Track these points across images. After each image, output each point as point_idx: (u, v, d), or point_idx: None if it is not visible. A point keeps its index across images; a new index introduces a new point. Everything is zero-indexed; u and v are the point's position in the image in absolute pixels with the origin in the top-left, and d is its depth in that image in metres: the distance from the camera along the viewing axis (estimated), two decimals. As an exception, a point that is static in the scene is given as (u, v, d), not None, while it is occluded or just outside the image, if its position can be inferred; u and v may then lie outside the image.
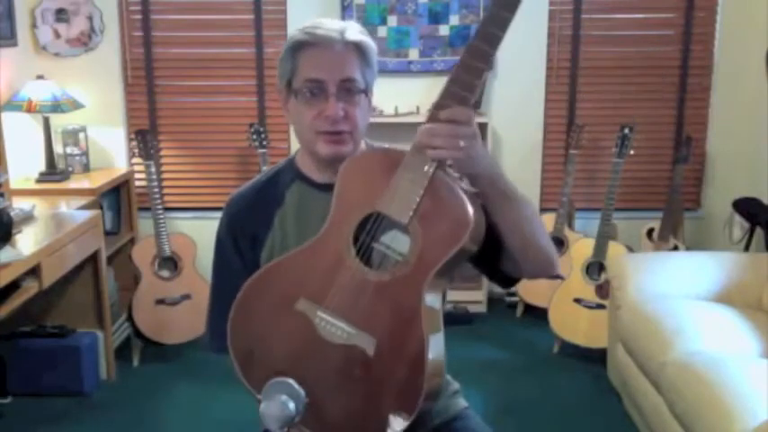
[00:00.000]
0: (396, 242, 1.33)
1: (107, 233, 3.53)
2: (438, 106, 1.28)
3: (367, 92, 1.47)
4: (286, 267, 1.38)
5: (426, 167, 1.28)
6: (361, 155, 1.46)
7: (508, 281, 1.50)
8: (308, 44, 1.42)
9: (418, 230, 1.29)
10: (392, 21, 3.85)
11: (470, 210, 1.28)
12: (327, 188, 1.48)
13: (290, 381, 1.26)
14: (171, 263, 3.56)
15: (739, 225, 3.57)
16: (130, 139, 3.92)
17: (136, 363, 3.54)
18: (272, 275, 1.39)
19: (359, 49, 1.43)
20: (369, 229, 1.33)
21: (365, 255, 1.33)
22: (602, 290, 3.45)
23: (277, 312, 1.37)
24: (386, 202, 1.30)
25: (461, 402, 1.64)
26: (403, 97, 3.86)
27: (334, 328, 1.31)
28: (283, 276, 1.38)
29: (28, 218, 2.93)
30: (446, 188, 1.29)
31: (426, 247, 1.29)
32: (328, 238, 1.35)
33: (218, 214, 1.59)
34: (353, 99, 1.43)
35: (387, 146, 1.43)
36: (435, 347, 1.29)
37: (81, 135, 3.78)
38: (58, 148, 3.70)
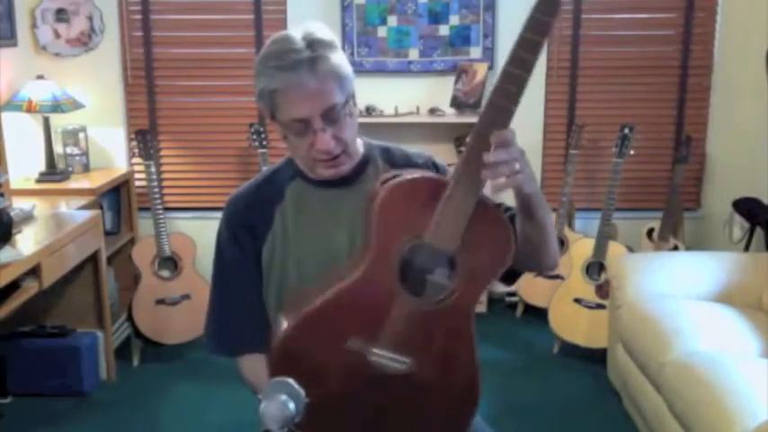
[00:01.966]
0: (442, 270, 1.36)
1: (107, 233, 3.53)
2: (480, 131, 1.28)
3: (349, 99, 1.44)
4: (330, 309, 1.37)
5: (471, 196, 1.30)
6: (398, 186, 1.39)
7: (511, 277, 1.54)
8: (283, 90, 1.39)
9: (465, 258, 1.33)
10: (392, 21, 3.85)
11: (512, 234, 1.34)
12: (325, 184, 1.52)
13: (290, 381, 1.26)
14: (171, 263, 3.56)
15: (739, 225, 3.57)
16: (130, 139, 3.92)
17: (136, 363, 3.54)
18: (316, 320, 1.38)
19: (332, 74, 1.39)
20: (415, 260, 1.35)
21: (413, 285, 1.35)
22: (602, 290, 3.45)
23: (327, 355, 1.37)
24: (433, 232, 1.32)
25: (462, 402, 1.64)
26: (403, 97, 3.86)
27: (391, 361, 1.35)
28: (329, 319, 1.37)
29: (28, 218, 2.93)
30: (490, 215, 1.35)
31: (473, 272, 1.34)
32: (372, 273, 1.35)
33: (219, 214, 1.59)
34: (340, 121, 1.42)
35: (418, 169, 1.45)
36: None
37: (81, 135, 3.78)
38: (58, 148, 3.70)
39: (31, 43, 3.77)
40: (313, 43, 1.39)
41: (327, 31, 1.43)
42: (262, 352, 1.55)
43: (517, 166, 1.27)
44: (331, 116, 1.40)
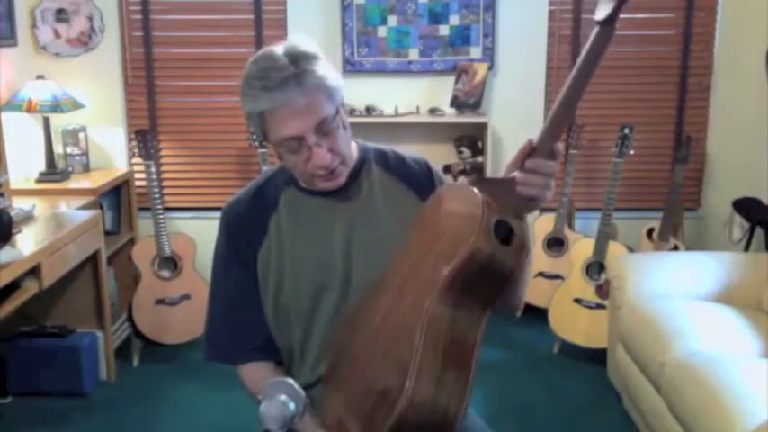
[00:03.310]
0: None
1: (107, 233, 3.53)
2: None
3: (339, 110, 1.42)
4: None
5: None
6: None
7: None
8: (272, 110, 1.37)
9: None
10: (392, 21, 3.85)
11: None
12: (318, 192, 1.51)
13: (290, 381, 1.26)
14: (171, 263, 3.56)
15: (739, 225, 3.57)
16: (130, 139, 3.92)
17: (136, 363, 3.54)
18: None
19: (320, 87, 1.37)
20: None
21: None
22: (602, 290, 3.45)
23: None
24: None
25: (461, 402, 1.64)
26: (403, 97, 3.86)
27: None
28: None
29: (28, 218, 2.93)
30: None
31: None
32: None
33: (219, 214, 1.59)
34: (333, 133, 1.40)
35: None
36: None
37: (81, 135, 3.78)
38: (58, 148, 3.70)
39: (31, 43, 3.77)
40: (296, 58, 1.36)
41: (310, 43, 1.41)
42: (260, 360, 1.56)
43: (551, 182, 1.26)
44: (324, 130, 1.38)
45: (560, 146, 1.24)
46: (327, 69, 1.40)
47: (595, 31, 1.18)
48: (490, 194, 1.24)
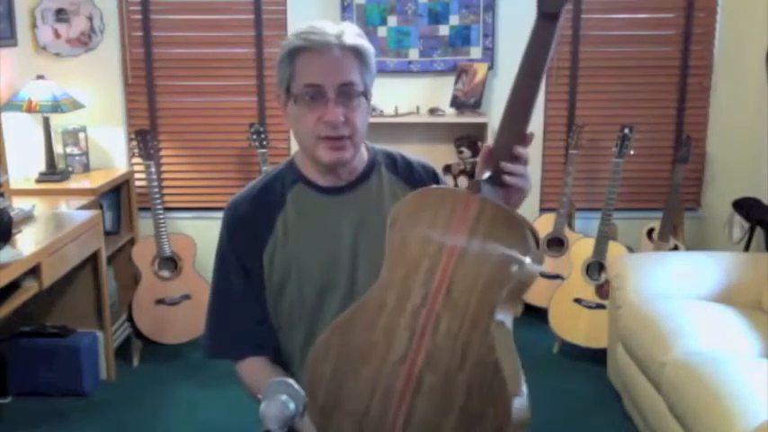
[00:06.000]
0: None
1: (107, 233, 3.53)
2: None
3: (366, 94, 1.45)
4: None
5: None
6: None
7: None
8: (306, 49, 1.40)
9: None
10: (392, 21, 3.85)
11: None
12: (330, 191, 1.51)
13: (291, 381, 1.26)
14: (171, 263, 3.56)
15: (739, 225, 3.57)
16: (130, 139, 3.92)
17: (136, 363, 3.54)
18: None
19: (356, 52, 1.42)
20: None
21: None
22: (602, 290, 3.45)
23: None
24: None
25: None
26: (403, 97, 3.86)
27: None
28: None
29: (28, 218, 2.94)
30: None
31: None
32: None
33: (219, 214, 1.59)
34: (353, 103, 1.42)
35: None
36: None
37: (81, 135, 3.78)
38: (58, 148, 3.70)
39: (31, 43, 3.77)
40: (347, 29, 1.44)
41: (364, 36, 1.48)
42: (258, 356, 1.55)
43: (528, 172, 1.34)
44: (346, 92, 1.41)
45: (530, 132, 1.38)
46: (371, 50, 1.46)
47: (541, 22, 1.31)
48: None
